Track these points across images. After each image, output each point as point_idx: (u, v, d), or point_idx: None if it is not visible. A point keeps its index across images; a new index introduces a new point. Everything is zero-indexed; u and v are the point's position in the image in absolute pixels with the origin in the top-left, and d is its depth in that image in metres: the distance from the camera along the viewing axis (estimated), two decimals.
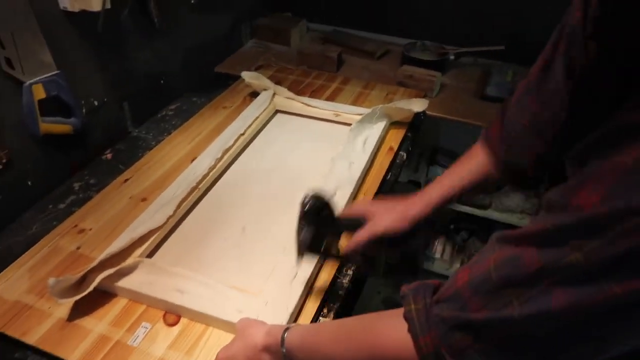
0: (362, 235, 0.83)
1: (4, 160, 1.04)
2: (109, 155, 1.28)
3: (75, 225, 1.03)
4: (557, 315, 0.39)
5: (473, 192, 0.80)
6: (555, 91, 0.59)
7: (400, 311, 0.53)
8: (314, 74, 1.65)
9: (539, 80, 0.63)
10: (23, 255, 0.96)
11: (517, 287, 0.41)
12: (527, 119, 0.66)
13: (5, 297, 0.88)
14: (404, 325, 0.51)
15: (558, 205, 0.41)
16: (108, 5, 1.10)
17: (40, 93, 1.07)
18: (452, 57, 1.74)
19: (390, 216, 0.81)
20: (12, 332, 0.82)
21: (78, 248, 0.98)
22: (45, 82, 1.08)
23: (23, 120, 1.07)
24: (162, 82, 1.48)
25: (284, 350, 0.67)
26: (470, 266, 0.48)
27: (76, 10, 1.10)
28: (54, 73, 1.09)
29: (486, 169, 0.76)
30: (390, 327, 0.54)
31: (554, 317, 0.39)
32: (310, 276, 0.89)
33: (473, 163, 0.78)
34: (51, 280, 0.80)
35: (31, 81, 1.05)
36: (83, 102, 1.22)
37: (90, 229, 1.03)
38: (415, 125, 1.39)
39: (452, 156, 1.85)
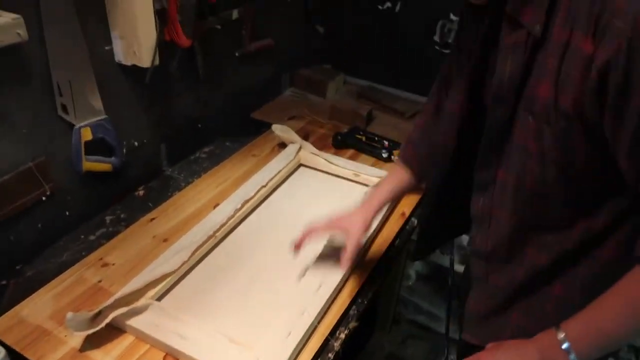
0: (352, 248, 0.99)
1: (48, 192, 1.16)
2: (141, 192, 1.39)
3: (101, 259, 1.14)
4: None
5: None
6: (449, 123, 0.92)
7: None
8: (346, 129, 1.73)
9: (433, 115, 1.00)
10: (50, 283, 1.07)
11: None
12: (429, 144, 1.01)
13: (29, 320, 0.98)
14: None
15: None
16: (157, 62, 1.23)
17: (87, 135, 1.20)
18: None
19: (360, 225, 1.00)
20: (29, 355, 0.92)
21: (99, 281, 1.08)
22: (93, 126, 1.20)
23: (70, 158, 1.20)
24: (199, 126, 1.60)
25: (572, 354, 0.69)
26: None
27: (129, 64, 1.23)
28: (102, 118, 1.22)
29: (407, 180, 1.05)
30: None
31: None
32: (305, 334, 0.95)
33: (398, 177, 1.06)
34: (69, 315, 0.90)
35: (81, 124, 1.18)
36: (125, 142, 1.34)
37: (114, 264, 1.13)
38: None
39: None
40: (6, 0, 0.93)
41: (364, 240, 1.04)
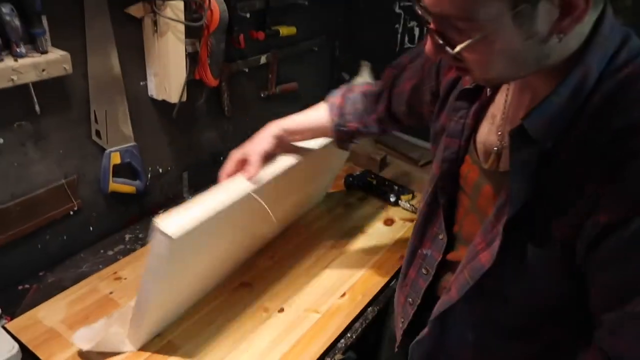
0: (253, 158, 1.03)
1: (76, 208, 1.29)
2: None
3: (115, 272, 1.24)
4: None
5: (315, 134, 1.14)
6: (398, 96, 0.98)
7: None
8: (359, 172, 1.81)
9: (377, 94, 1.03)
10: (67, 290, 1.18)
11: None
12: (362, 106, 1.05)
13: (44, 322, 1.09)
14: None
15: None
16: (184, 99, 1.36)
17: (116, 159, 1.33)
18: None
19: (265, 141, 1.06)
20: (40, 353, 1.01)
21: (111, 293, 1.18)
22: (122, 151, 1.33)
23: (98, 178, 1.32)
24: (221, 158, 1.71)
25: None
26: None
27: (159, 99, 1.37)
28: (131, 145, 1.35)
29: (325, 121, 1.09)
30: None
31: None
32: None
33: (321, 114, 1.11)
34: (76, 335, 1.01)
35: (111, 149, 1.31)
36: (149, 168, 1.46)
37: (126, 278, 1.23)
38: None
39: None
40: (58, 39, 1.08)
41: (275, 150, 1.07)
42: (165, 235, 0.84)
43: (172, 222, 0.86)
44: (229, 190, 0.99)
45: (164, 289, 0.98)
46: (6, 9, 0.98)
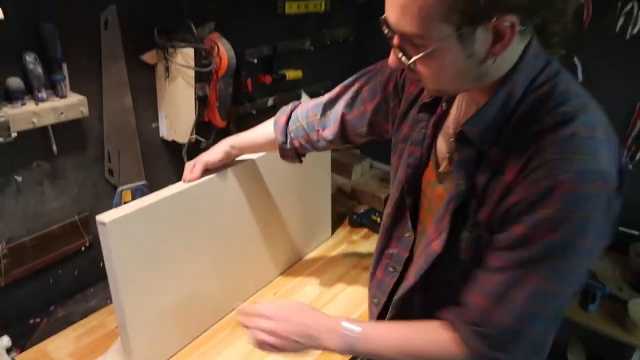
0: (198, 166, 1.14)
1: (87, 244, 1.33)
2: None
3: None
4: (545, 292, 0.70)
5: (264, 148, 1.22)
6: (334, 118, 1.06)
7: (448, 328, 0.79)
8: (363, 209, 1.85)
9: (324, 108, 1.08)
10: (76, 324, 1.21)
11: (519, 289, 0.70)
12: (305, 123, 1.10)
13: (51, 355, 1.12)
14: (458, 341, 0.77)
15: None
16: (192, 139, 1.43)
17: (127, 196, 1.39)
18: None
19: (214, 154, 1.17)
20: None
21: (117, 327, 1.21)
22: (133, 189, 1.39)
23: None
24: None
25: (358, 331, 0.82)
26: (479, 291, 0.74)
27: (169, 139, 1.43)
28: (141, 183, 1.41)
29: (271, 138, 1.15)
30: (447, 338, 0.78)
31: (544, 294, 0.70)
32: None
33: (269, 132, 1.16)
34: None
35: (123, 187, 1.37)
36: None
37: None
38: None
39: None
40: (77, 84, 1.17)
41: (219, 163, 1.18)
42: (101, 223, 0.97)
43: (107, 214, 0.99)
44: (166, 190, 1.12)
45: (134, 296, 1.03)
46: (30, 57, 1.07)
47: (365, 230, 1.73)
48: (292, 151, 1.14)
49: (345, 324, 0.83)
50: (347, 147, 1.14)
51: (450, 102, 0.85)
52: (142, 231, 1.03)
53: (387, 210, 0.98)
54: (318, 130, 1.10)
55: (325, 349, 0.84)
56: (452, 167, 0.80)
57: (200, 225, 1.17)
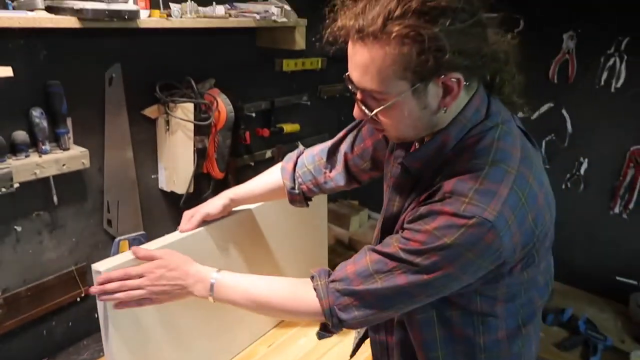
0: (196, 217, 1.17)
1: (82, 295, 1.34)
2: None
3: None
4: (398, 287, 0.78)
5: (266, 197, 1.24)
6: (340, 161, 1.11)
7: (310, 283, 0.88)
8: None
9: (330, 151, 1.12)
10: None
11: (381, 274, 0.79)
12: (312, 167, 1.14)
13: None
14: (313, 292, 0.86)
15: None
16: (191, 190, 1.46)
17: (125, 247, 1.40)
18: None
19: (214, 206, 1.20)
20: None
21: None
22: (131, 239, 1.41)
23: None
24: None
25: (216, 277, 0.94)
26: (354, 262, 0.84)
27: (168, 190, 1.47)
28: (139, 233, 1.43)
29: (279, 187, 1.18)
30: (305, 292, 0.88)
31: (397, 288, 0.78)
32: None
33: (274, 180, 1.19)
34: None
35: (121, 238, 1.39)
36: None
37: None
38: None
39: None
40: (79, 136, 1.21)
41: (218, 215, 1.20)
42: (97, 272, 0.96)
43: (102, 262, 0.99)
44: (161, 240, 1.13)
45: (127, 348, 1.02)
46: (37, 112, 1.12)
47: None
48: (300, 196, 1.17)
49: (214, 274, 0.94)
50: (353, 188, 1.16)
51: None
52: None
53: (375, 233, 1.01)
54: (325, 173, 1.14)
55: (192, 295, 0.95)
56: (390, 189, 0.91)
57: None
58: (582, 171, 1.76)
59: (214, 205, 1.20)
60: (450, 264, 0.75)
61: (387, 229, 0.89)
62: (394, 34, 0.69)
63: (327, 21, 0.78)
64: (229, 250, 1.26)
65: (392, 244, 0.80)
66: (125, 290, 0.93)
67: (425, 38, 0.68)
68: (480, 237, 0.73)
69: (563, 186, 1.81)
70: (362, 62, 0.74)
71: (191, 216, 1.18)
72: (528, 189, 0.77)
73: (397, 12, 0.69)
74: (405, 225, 0.80)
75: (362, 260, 0.83)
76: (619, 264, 1.74)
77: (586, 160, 1.75)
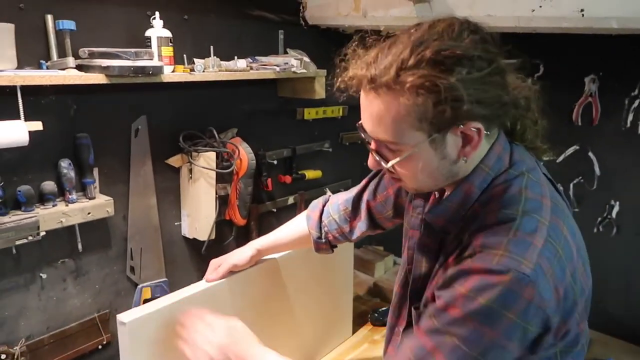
0: (223, 267, 1.16)
1: (105, 342, 1.35)
2: None
3: None
4: None
5: (293, 246, 1.26)
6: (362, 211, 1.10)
7: None
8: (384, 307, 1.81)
9: (354, 200, 1.11)
10: None
11: None
12: (337, 217, 1.13)
13: None
14: None
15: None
16: (212, 237, 1.48)
17: (147, 294, 1.41)
18: None
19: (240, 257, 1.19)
20: None
21: None
22: (153, 287, 1.42)
23: None
24: None
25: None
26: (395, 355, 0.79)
27: (191, 237, 1.49)
28: (161, 280, 1.44)
29: (305, 236, 1.18)
30: None
31: None
32: None
33: (299, 229, 1.20)
34: None
35: (143, 285, 1.41)
36: None
37: None
38: None
39: None
40: (105, 185, 1.26)
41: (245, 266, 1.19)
42: (121, 323, 0.96)
43: (127, 313, 0.99)
44: (187, 290, 1.11)
45: None
46: (65, 163, 1.17)
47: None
48: (326, 244, 1.17)
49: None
50: (377, 233, 1.17)
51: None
52: (161, 331, 1.02)
53: (395, 289, 0.99)
54: (350, 222, 1.14)
55: None
56: (414, 251, 0.87)
57: None
58: (613, 214, 1.70)
59: (241, 256, 1.19)
60: (490, 329, 0.66)
61: (417, 289, 0.85)
62: (408, 85, 0.66)
63: (338, 70, 0.77)
64: (255, 299, 1.25)
65: (426, 318, 0.74)
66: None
67: (442, 88, 0.65)
68: (519, 295, 0.65)
69: (595, 230, 1.75)
70: (375, 113, 0.71)
71: (218, 265, 1.18)
72: (563, 240, 0.71)
73: (411, 62, 0.67)
74: (436, 293, 0.74)
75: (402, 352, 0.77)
76: None
77: (617, 203, 1.69)
